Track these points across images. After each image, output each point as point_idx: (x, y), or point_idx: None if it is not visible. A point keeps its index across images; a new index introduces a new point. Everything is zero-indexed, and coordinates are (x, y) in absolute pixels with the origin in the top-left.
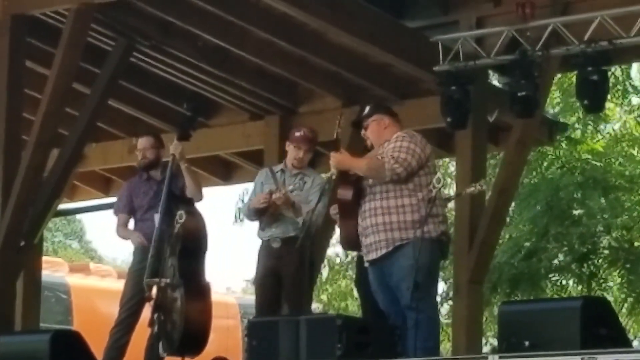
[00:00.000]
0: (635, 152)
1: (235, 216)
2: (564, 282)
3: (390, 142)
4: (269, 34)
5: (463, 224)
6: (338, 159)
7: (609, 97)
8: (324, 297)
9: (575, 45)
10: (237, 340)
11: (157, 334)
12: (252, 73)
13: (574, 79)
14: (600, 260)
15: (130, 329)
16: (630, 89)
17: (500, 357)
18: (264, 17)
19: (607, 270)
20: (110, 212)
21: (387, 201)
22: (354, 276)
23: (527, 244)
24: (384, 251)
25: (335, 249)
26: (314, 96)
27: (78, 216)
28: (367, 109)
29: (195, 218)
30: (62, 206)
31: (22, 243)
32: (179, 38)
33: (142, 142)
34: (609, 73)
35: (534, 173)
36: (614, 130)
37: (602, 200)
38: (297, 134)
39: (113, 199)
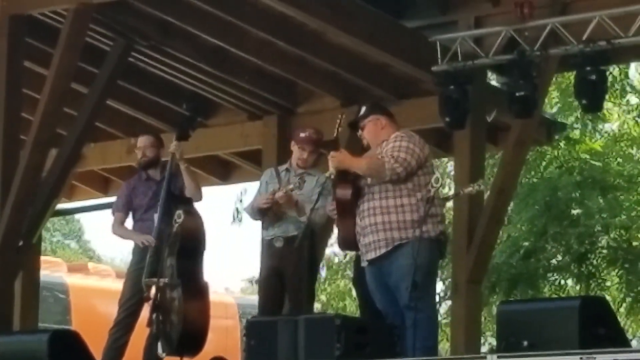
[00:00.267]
0: (633, 152)
1: (234, 216)
2: (562, 281)
3: (389, 142)
4: (268, 34)
5: (462, 223)
6: (338, 159)
7: (607, 96)
8: (322, 297)
9: (574, 45)
10: (236, 340)
11: (155, 334)
12: (251, 73)
13: (572, 79)
14: (598, 260)
15: (129, 329)
16: (628, 89)
17: (498, 357)
18: (262, 17)
19: (605, 270)
20: (109, 211)
21: (386, 201)
22: (352, 276)
23: (526, 243)
24: (382, 251)
25: (333, 249)
26: (312, 96)
27: (76, 216)
28: (364, 109)
29: (194, 218)
30: (61, 206)
31: (21, 243)
32: (177, 38)
33: (142, 140)
34: (607, 73)
35: (533, 173)
36: (612, 130)
37: (601, 200)
38: (302, 134)
39: (111, 199)
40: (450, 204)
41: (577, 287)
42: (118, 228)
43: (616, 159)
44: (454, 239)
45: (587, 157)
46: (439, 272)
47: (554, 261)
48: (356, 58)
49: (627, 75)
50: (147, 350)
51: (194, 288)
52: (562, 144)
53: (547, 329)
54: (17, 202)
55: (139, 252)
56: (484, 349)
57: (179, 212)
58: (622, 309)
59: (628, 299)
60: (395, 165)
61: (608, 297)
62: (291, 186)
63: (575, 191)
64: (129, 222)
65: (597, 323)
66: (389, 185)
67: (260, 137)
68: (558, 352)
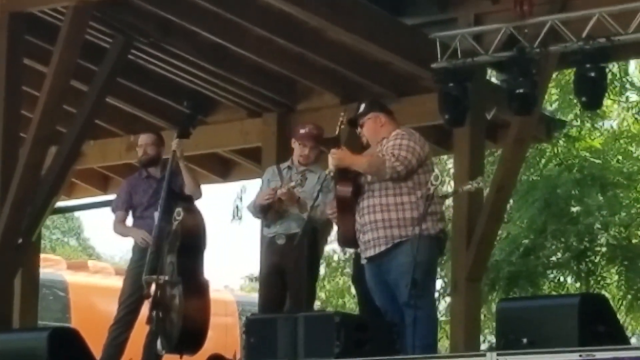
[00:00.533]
0: (633, 149)
1: (233, 213)
2: (562, 279)
3: (390, 139)
4: (268, 32)
5: (461, 221)
6: (339, 156)
7: (606, 94)
8: (321, 294)
9: (574, 42)
10: (236, 337)
11: (155, 331)
12: (251, 70)
13: (572, 76)
14: (598, 258)
15: (129, 326)
16: (628, 86)
17: (498, 354)
18: (262, 14)
19: (605, 267)
20: (109, 209)
21: (386, 198)
22: (351, 273)
23: (525, 241)
24: (382, 248)
25: (332, 246)
26: (312, 94)
27: (76, 214)
28: (363, 106)
29: (194, 215)
30: (60, 204)
31: (20, 241)
32: (177, 36)
33: (144, 138)
34: (607, 70)
35: (532, 170)
36: (612, 127)
37: (600, 197)
38: (302, 131)
39: (111, 197)
40: (449, 201)
41: (577, 285)
42: (119, 226)
43: (616, 156)
44: (453, 236)
45: (587, 154)
46: (439, 269)
47: (553, 258)
48: (356, 55)
49: (626, 73)
50: (147, 348)
51: (194, 286)
52: (561, 141)
53: (547, 326)
54: (16, 200)
55: (139, 250)
56: (484, 346)
57: (179, 209)
58: (621, 307)
59: (628, 297)
60: (396, 164)
61: (607, 295)
62: (293, 183)
63: (575, 188)
64: (129, 220)
65: (597, 320)
66: (389, 183)
67: (260, 134)
68: (557, 349)
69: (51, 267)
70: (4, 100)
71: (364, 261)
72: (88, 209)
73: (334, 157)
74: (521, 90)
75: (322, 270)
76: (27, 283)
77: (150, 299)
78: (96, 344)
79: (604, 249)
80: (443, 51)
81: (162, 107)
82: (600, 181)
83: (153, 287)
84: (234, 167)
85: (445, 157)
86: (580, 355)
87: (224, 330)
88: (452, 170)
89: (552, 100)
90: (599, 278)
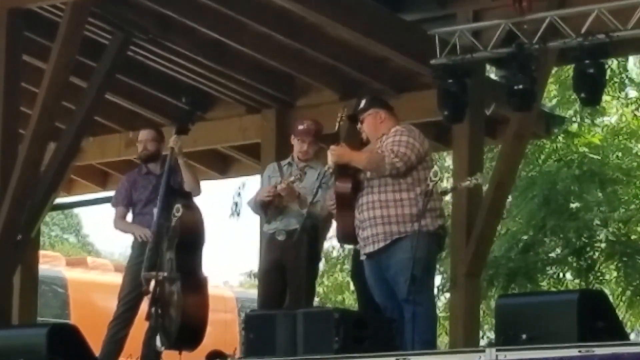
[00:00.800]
0: (632, 145)
1: (232, 209)
2: (561, 275)
3: (389, 136)
4: (267, 28)
5: (460, 217)
6: (338, 152)
7: (605, 90)
8: (320, 290)
9: (573, 38)
10: (235, 333)
11: (154, 328)
12: (250, 67)
13: (571, 72)
14: (597, 254)
15: (128, 323)
16: (627, 82)
17: (497, 350)
18: (262, 10)
19: (604, 263)
20: (108, 206)
21: (385, 195)
22: (350, 269)
23: (525, 237)
24: (381, 244)
25: (331, 242)
26: (311, 90)
27: (75, 210)
28: (363, 102)
29: (193, 212)
30: (59, 200)
31: (19, 237)
32: (176, 32)
33: (144, 134)
34: (606, 66)
35: (531, 166)
36: (611, 123)
37: (600, 193)
38: (301, 127)
39: (110, 193)
40: (448, 197)
41: (576, 281)
42: (119, 222)
43: (615, 152)
44: (452, 232)
45: (586, 150)
46: (438, 265)
47: (552, 254)
48: (355, 52)
49: (625, 69)
50: (146, 344)
51: (193, 282)
52: (560, 137)
53: (546, 322)
54: (15, 196)
55: (139, 247)
56: (483, 342)
57: (178, 206)
58: (620, 303)
59: (627, 293)
60: (395, 160)
61: (607, 291)
62: (292, 178)
63: (574, 184)
64: (128, 216)
65: (596, 316)
66: (389, 179)
67: (259, 130)
68: (557, 345)
69: (50, 264)
70: (3, 96)
71: (363, 257)
72: (87, 206)
73: (333, 154)
74: (520, 86)
75: (321, 266)
76: (26, 279)
77: (149, 295)
78: (95, 340)
79: (603, 245)
80: (442, 47)
81: (161, 104)
82: (599, 177)
83: (152, 283)
84: (233, 163)
85: (444, 153)
86: (579, 351)
87: (223, 327)
88: (451, 167)
89: (551, 97)
90: (598, 274)
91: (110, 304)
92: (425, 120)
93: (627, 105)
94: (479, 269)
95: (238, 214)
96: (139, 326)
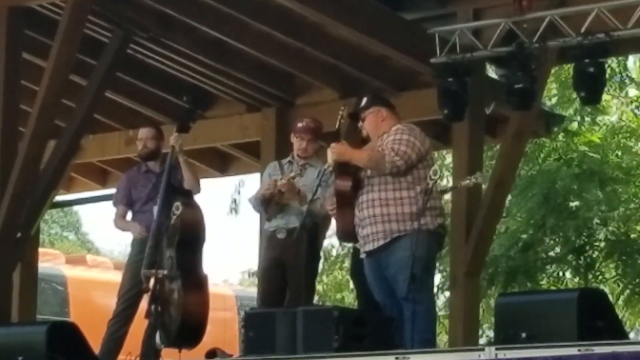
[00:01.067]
0: (632, 144)
1: (231, 207)
2: (560, 274)
3: (390, 134)
4: (267, 27)
5: (460, 215)
6: (338, 150)
7: (605, 89)
8: (319, 288)
9: (572, 37)
10: (234, 332)
11: (154, 326)
12: (250, 65)
13: (571, 71)
14: (596, 253)
15: (127, 320)
16: (627, 81)
17: (497, 349)
18: (262, 9)
19: (603, 262)
20: (107, 203)
21: (385, 193)
22: (349, 268)
23: (524, 235)
24: (381, 242)
25: (330, 240)
26: (311, 88)
27: (75, 208)
28: (365, 100)
29: (193, 210)
30: (59, 198)
31: (19, 235)
32: (176, 30)
33: (144, 132)
34: (606, 65)
35: (531, 165)
36: (611, 122)
37: (599, 192)
38: (300, 124)
39: (110, 191)
40: (448, 196)
41: (575, 280)
42: (119, 221)
43: (615, 151)
44: (452, 231)
45: (586, 149)
46: (437, 264)
47: (552, 253)
48: (355, 50)
49: (625, 68)
50: (146, 342)
51: (193, 280)
52: (560, 136)
53: (546, 321)
54: (15, 194)
55: (138, 244)
56: (482, 341)
57: (178, 204)
58: (620, 301)
59: (626, 291)
60: (396, 158)
61: (606, 290)
62: (292, 174)
63: (574, 183)
64: (129, 215)
65: (595, 315)
66: (389, 178)
67: (259, 129)
68: (556, 344)
69: (50, 262)
70: (3, 94)
71: (362, 255)
72: (87, 203)
73: (334, 152)
74: (520, 85)
75: (320, 264)
76: (25, 277)
77: (149, 293)
78: (95, 338)
79: (602, 244)
80: (442, 46)
81: (161, 102)
82: (599, 176)
83: (152, 281)
84: (233, 162)
85: (444, 151)
86: (579, 350)
87: (223, 325)
88: (451, 165)
89: (551, 95)
90: (598, 273)
91: (110, 302)
92: (425, 119)
93: (627, 104)
94: (478, 267)
95: (236, 212)
96: (139, 324)
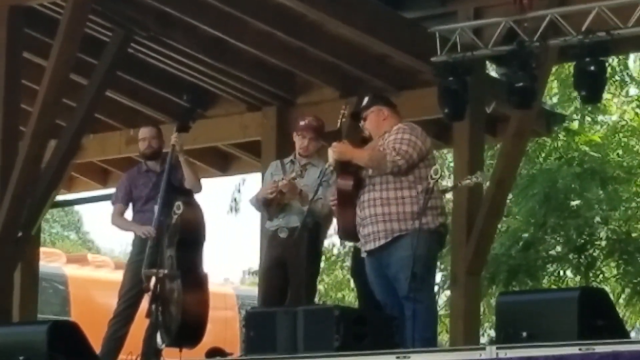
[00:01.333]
0: (633, 143)
1: (231, 206)
2: (561, 272)
3: (391, 133)
4: (267, 25)
5: (461, 215)
6: (340, 149)
7: (606, 87)
8: (320, 287)
9: (573, 36)
10: (235, 331)
11: (155, 325)
12: (250, 64)
13: (571, 70)
14: (597, 252)
15: (128, 320)
16: (627, 80)
17: (497, 348)
18: (262, 8)
19: (604, 261)
20: (108, 203)
21: (387, 192)
22: (350, 267)
23: (525, 234)
24: (382, 242)
25: (331, 240)
26: (311, 87)
27: (75, 207)
28: (366, 100)
29: (193, 209)
30: (60, 197)
31: (20, 234)
32: (177, 29)
33: (147, 131)
34: (607, 64)
35: (532, 164)
36: (611, 120)
37: (600, 191)
38: (302, 122)
39: (111, 191)
40: (449, 195)
41: (576, 279)
42: (117, 219)
43: (615, 150)
44: (453, 230)
45: (587, 148)
46: (438, 263)
47: (553, 252)
48: (355, 49)
49: (626, 66)
50: (147, 342)
51: (194, 279)
52: (561, 135)
53: (546, 320)
54: (16, 194)
55: (139, 244)
56: (483, 340)
57: (178, 203)
58: (620, 300)
59: (627, 290)
60: (397, 158)
61: (607, 288)
62: (293, 174)
63: (575, 182)
64: (128, 214)
65: (596, 314)
66: (390, 177)
67: (260, 128)
68: (557, 343)
69: (51, 261)
70: (3, 93)
71: (363, 254)
72: (88, 203)
73: (335, 151)
74: (521, 84)
75: (321, 263)
76: (26, 276)
77: (149, 293)
78: (96, 337)
79: (603, 243)
80: (443, 45)
81: (162, 101)
82: (600, 175)
83: (153, 280)
84: (234, 161)
85: (444, 150)
86: (579, 349)
87: (224, 324)
88: (451, 164)
89: (551, 94)
90: (599, 272)
91: (111, 301)
92: (425, 118)
93: (627, 103)
94: (479, 266)
95: (237, 211)
96: (140, 323)
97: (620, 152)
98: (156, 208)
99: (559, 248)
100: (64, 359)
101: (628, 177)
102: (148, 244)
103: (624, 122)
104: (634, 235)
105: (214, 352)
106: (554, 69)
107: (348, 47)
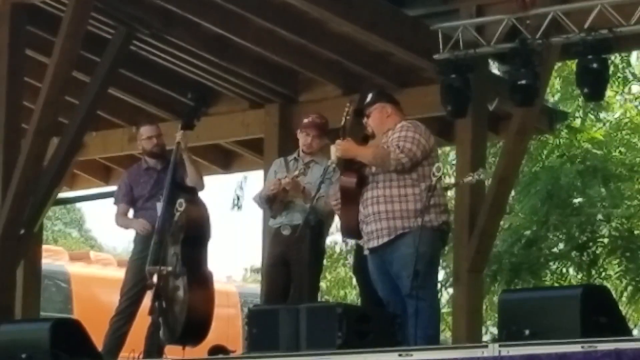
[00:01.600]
0: (635, 141)
1: (234, 202)
2: (564, 270)
3: (395, 131)
4: (270, 23)
5: (463, 212)
6: (344, 147)
7: (608, 85)
8: (322, 285)
9: (576, 33)
10: (238, 328)
11: (157, 323)
12: (253, 61)
13: (574, 67)
14: (600, 249)
15: (130, 318)
16: (630, 77)
17: (500, 346)
18: (264, 5)
19: (606, 258)
20: (111, 200)
21: (390, 190)
22: (353, 264)
23: (527, 232)
24: (385, 239)
25: (333, 237)
26: (314, 85)
27: (78, 205)
28: (370, 96)
29: (197, 206)
30: (62, 195)
31: (22, 232)
32: (179, 27)
33: (152, 129)
34: (609, 61)
35: (534, 162)
36: (614, 118)
37: (602, 188)
38: (305, 120)
39: (113, 188)
40: (451, 192)
41: (579, 276)
42: (121, 219)
43: (618, 147)
44: (455, 227)
45: (589, 146)
46: (441, 260)
47: (555, 250)
48: (358, 46)
49: (629, 64)
50: (149, 339)
51: (199, 277)
52: (563, 132)
53: (549, 317)
54: (18, 191)
55: (141, 241)
56: (486, 337)
57: (181, 200)
58: (623, 298)
59: (629, 288)
60: (401, 156)
61: (609, 286)
62: (297, 172)
63: (577, 180)
64: (131, 212)
65: (599, 312)
66: (394, 175)
67: (262, 125)
68: (560, 340)
69: (53, 258)
70: (6, 91)
71: (366, 252)
72: (90, 200)
73: (339, 148)
74: (523, 82)
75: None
76: (29, 274)
77: (152, 290)
78: (98, 335)
79: (605, 241)
80: (445, 42)
81: (164, 98)
82: (602, 173)
83: (155, 277)
84: (236, 158)
85: (447, 148)
86: (582, 347)
87: (226, 322)
88: (454, 162)
89: (554, 92)
90: (601, 269)
91: (113, 299)
92: (428, 116)
93: (630, 101)
94: (482, 264)
95: (239, 208)
96: (143, 321)
97: (622, 149)
98: (158, 205)
99: (561, 245)
100: (67, 356)
101: (630, 174)
102: (152, 240)
103: (626, 120)
104: (636, 232)
105: (217, 350)
106: (556, 67)
107: (350, 45)
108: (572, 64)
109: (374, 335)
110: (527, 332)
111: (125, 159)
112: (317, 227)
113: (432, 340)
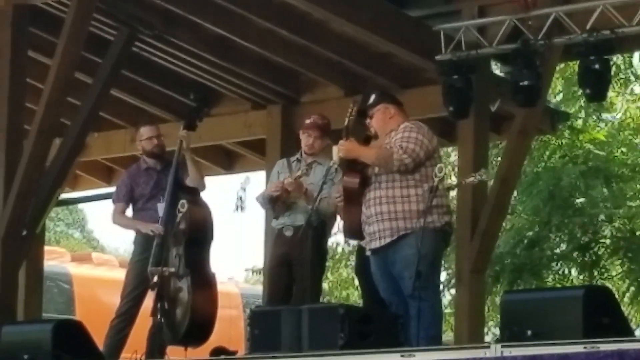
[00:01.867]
0: (637, 141)
1: (236, 204)
2: (566, 271)
3: (398, 132)
4: (272, 24)
5: (465, 213)
6: (347, 147)
7: (610, 86)
8: (324, 286)
9: (578, 34)
10: (240, 329)
11: (160, 324)
12: (255, 62)
13: (576, 68)
14: (602, 250)
15: (131, 319)
16: (632, 78)
17: (502, 346)
18: (266, 6)
19: (609, 259)
20: (111, 201)
21: (393, 190)
22: (355, 265)
23: (530, 233)
24: (387, 240)
25: (335, 238)
26: (316, 85)
27: (80, 206)
28: (373, 97)
29: (200, 207)
30: (64, 196)
31: (24, 232)
32: (181, 27)
33: (154, 129)
34: (611, 62)
35: (536, 162)
36: (616, 118)
37: (604, 189)
38: (307, 121)
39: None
40: (454, 193)
41: (581, 277)
42: (119, 217)
43: (620, 148)
44: (457, 228)
45: (591, 146)
46: (443, 261)
47: (557, 250)
48: (360, 47)
49: (631, 65)
50: (151, 340)
51: (202, 278)
52: (565, 133)
53: (551, 318)
54: (20, 192)
55: (142, 243)
56: (488, 338)
57: (183, 201)
58: (625, 299)
59: (631, 289)
60: (404, 156)
61: (611, 287)
62: (299, 173)
63: (579, 180)
64: (129, 212)
65: (601, 312)
66: (396, 175)
67: (264, 126)
68: (562, 341)
69: (55, 259)
70: (8, 92)
71: (368, 253)
72: (92, 201)
73: (342, 149)
74: (525, 83)
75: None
76: (31, 275)
77: (155, 291)
78: (100, 336)
79: (608, 241)
80: (447, 43)
81: (166, 99)
82: (604, 173)
83: (156, 278)
84: (238, 159)
85: (449, 149)
86: (584, 347)
87: (228, 323)
88: (456, 162)
89: (556, 92)
90: (603, 270)
91: (115, 300)
92: (430, 116)
93: (632, 102)
94: (484, 265)
95: (242, 209)
96: (145, 322)
97: (624, 150)
98: (159, 206)
99: (563, 246)
100: (69, 357)
101: (632, 175)
102: (154, 242)
103: (628, 120)
104: (638, 233)
105: (219, 351)
106: (558, 67)
107: (352, 46)
108: (574, 65)
109: (376, 336)
110: (529, 332)
111: (127, 160)
112: (319, 228)
113: (434, 340)
